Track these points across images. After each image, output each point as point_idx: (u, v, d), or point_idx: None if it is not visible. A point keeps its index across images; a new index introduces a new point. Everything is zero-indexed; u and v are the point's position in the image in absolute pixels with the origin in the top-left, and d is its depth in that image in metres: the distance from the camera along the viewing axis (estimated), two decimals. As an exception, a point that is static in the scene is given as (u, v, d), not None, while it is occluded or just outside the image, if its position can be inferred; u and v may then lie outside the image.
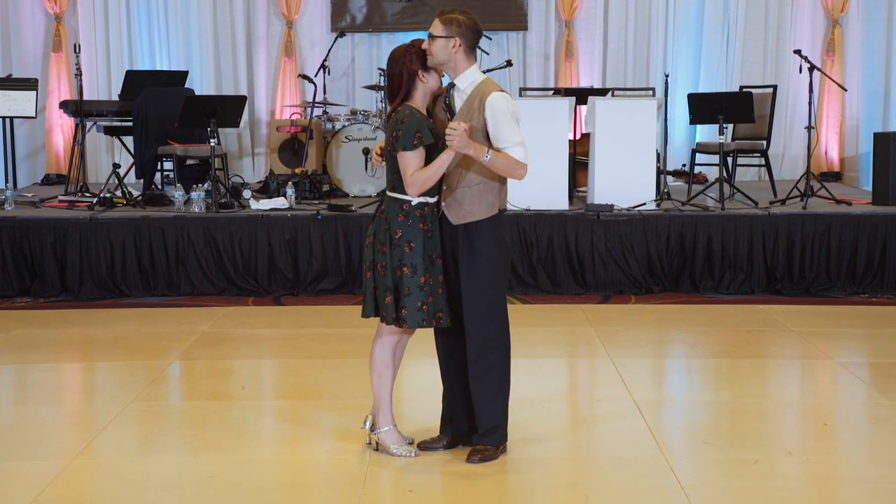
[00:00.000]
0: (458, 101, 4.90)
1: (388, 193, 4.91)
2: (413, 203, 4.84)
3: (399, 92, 4.88)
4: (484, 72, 10.06)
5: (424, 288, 4.84)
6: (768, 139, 10.44)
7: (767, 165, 10.47)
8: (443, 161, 4.75)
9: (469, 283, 4.88)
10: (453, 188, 4.85)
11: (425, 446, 5.12)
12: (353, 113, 10.71)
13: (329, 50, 11.19)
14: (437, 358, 5.15)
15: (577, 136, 10.42)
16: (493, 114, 4.77)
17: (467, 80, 4.88)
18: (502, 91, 4.86)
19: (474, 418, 5.06)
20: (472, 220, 4.85)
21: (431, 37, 4.84)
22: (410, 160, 4.76)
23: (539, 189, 8.96)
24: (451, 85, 4.92)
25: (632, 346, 7.24)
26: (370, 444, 5.11)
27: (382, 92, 10.59)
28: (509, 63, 10.55)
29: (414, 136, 4.75)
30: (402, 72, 4.86)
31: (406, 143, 4.75)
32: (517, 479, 4.85)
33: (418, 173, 4.76)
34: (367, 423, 5.09)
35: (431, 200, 4.88)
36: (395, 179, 4.86)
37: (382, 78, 10.76)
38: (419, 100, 4.90)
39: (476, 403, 5.01)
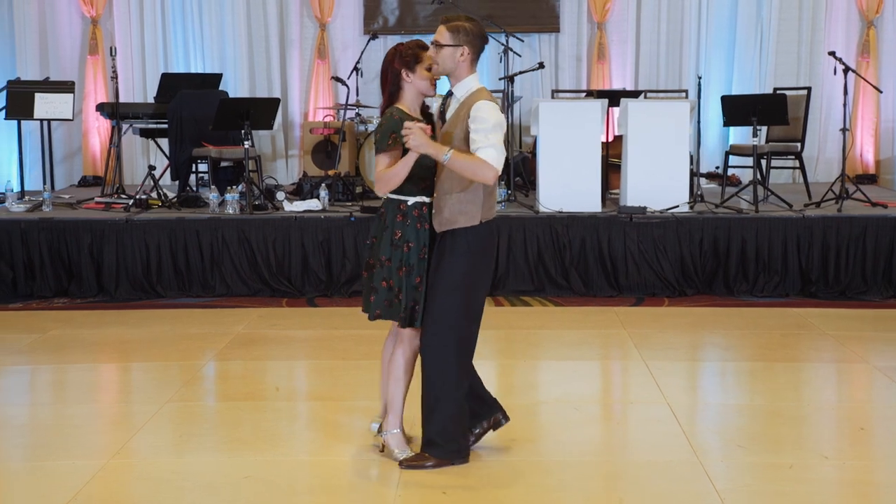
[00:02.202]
0: (453, 110, 4.89)
1: (389, 195, 4.91)
2: (409, 203, 4.87)
3: (385, 92, 4.91)
4: (516, 74, 10.16)
5: (419, 288, 4.87)
6: (802, 141, 10.38)
7: (802, 168, 10.41)
8: (406, 160, 4.74)
9: (431, 286, 4.86)
10: (438, 196, 4.85)
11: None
12: (386, 115, 10.73)
13: (362, 52, 11.23)
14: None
15: (610, 139, 10.41)
16: (474, 118, 4.71)
17: (464, 88, 4.85)
18: (492, 101, 4.78)
19: (487, 400, 5.13)
20: (451, 227, 4.82)
21: (438, 45, 4.80)
22: (381, 160, 4.81)
23: (572, 191, 8.98)
24: (450, 93, 4.91)
25: (665, 348, 7.22)
26: (377, 446, 5.12)
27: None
28: (541, 65, 10.54)
29: (388, 138, 4.78)
30: (387, 71, 4.89)
31: (381, 144, 4.80)
32: (551, 482, 4.85)
33: (386, 172, 4.77)
34: (375, 426, 5.15)
35: (428, 200, 4.89)
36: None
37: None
38: (409, 100, 4.89)
39: (422, 409, 4.98)
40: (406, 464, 4.95)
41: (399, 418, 5.05)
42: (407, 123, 4.72)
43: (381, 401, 5.18)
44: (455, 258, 4.82)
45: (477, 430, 5.14)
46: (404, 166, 4.75)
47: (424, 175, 4.85)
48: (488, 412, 5.17)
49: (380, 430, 5.10)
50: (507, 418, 5.20)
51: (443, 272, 4.84)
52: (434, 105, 5.10)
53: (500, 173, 4.75)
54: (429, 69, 4.85)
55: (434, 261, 4.88)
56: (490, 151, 4.68)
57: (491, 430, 5.20)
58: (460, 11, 11.58)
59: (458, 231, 4.81)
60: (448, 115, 4.90)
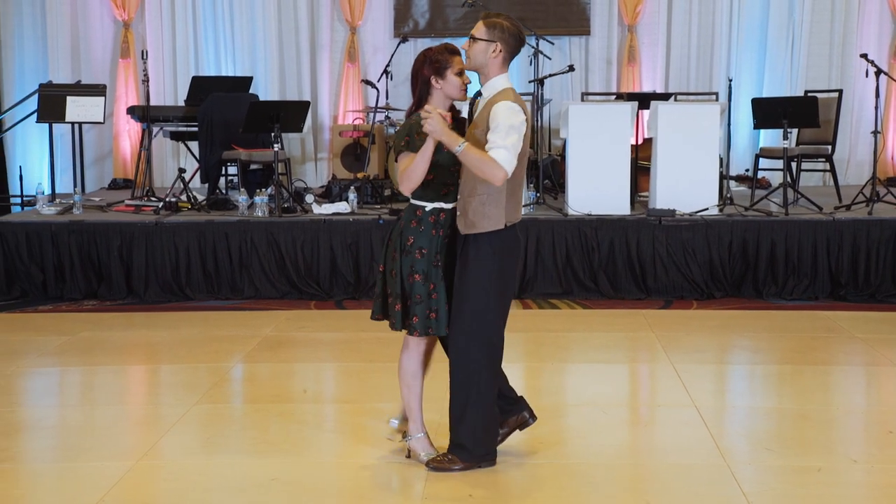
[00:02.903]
0: (479, 109, 4.86)
1: (410, 200, 4.90)
2: (427, 209, 4.83)
3: (414, 97, 4.89)
4: (546, 77, 10.14)
5: (433, 295, 4.83)
6: (833, 144, 10.32)
7: (832, 170, 10.35)
8: (424, 150, 4.67)
9: (457, 291, 4.84)
10: (462, 198, 4.81)
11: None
12: (415, 118, 10.75)
13: (392, 55, 11.25)
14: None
15: (640, 141, 10.38)
16: (493, 116, 4.68)
17: (492, 88, 4.81)
18: (516, 102, 4.73)
19: (513, 398, 5.13)
20: (475, 231, 4.78)
21: (473, 38, 4.78)
22: (401, 163, 4.79)
23: (601, 194, 8.96)
24: (478, 93, 4.90)
25: (693, 351, 7.19)
26: (404, 452, 5.11)
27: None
28: (571, 68, 10.52)
29: (403, 140, 4.78)
30: (416, 77, 4.86)
31: (397, 146, 4.81)
32: (578, 483, 4.84)
33: (407, 169, 4.73)
34: (395, 422, 5.18)
35: (447, 206, 4.85)
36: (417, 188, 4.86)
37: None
38: (436, 105, 4.83)
39: (450, 412, 4.97)
40: (433, 465, 4.95)
41: (420, 423, 5.03)
42: (427, 107, 4.67)
43: (400, 401, 5.18)
44: (481, 262, 4.79)
45: (504, 430, 5.13)
46: (423, 157, 4.67)
47: (445, 180, 4.81)
48: (515, 410, 5.15)
49: (404, 436, 5.10)
50: (533, 417, 5.18)
51: (469, 277, 4.80)
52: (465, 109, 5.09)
53: (508, 176, 4.64)
54: (459, 73, 4.83)
55: (458, 266, 4.85)
56: (502, 152, 4.61)
57: (518, 430, 5.18)
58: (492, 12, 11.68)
59: (482, 235, 4.77)
60: (476, 116, 4.89)
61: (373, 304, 5.04)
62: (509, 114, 4.66)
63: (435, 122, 4.60)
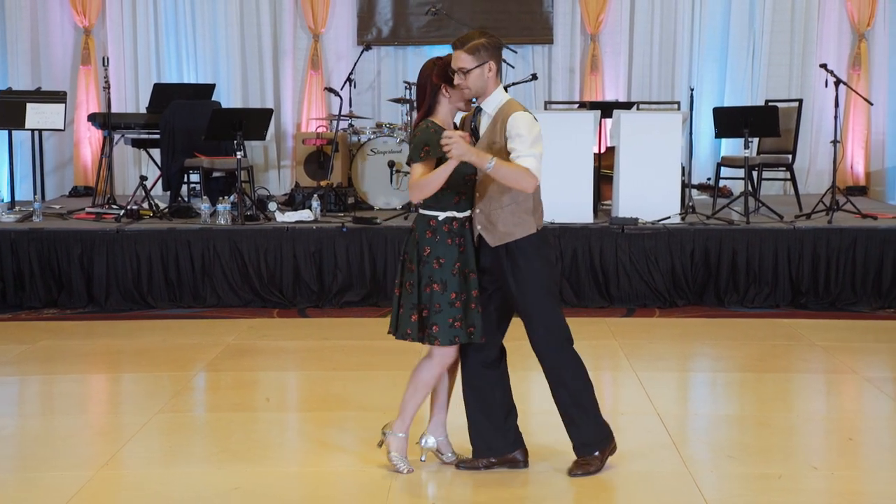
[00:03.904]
0: (484, 124, 4.87)
1: (419, 211, 4.90)
2: (440, 218, 4.82)
3: (422, 105, 4.88)
4: (509, 85, 10.17)
5: (456, 304, 4.80)
6: (794, 153, 10.41)
7: (793, 179, 10.44)
8: (445, 168, 4.66)
9: (523, 301, 4.83)
10: (486, 211, 4.81)
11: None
12: (379, 126, 10.76)
13: (355, 63, 11.24)
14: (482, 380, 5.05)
15: (602, 150, 10.43)
16: (512, 127, 4.71)
17: (493, 102, 4.83)
18: (526, 111, 4.78)
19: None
20: (510, 240, 4.80)
21: (463, 71, 4.74)
22: (415, 171, 4.78)
23: (564, 202, 8.96)
24: (479, 109, 4.89)
25: (656, 359, 7.23)
26: (379, 444, 5.10)
27: (408, 105, 10.63)
28: (534, 77, 10.58)
29: (421, 150, 4.75)
30: (426, 85, 4.85)
31: (414, 155, 4.78)
32: (541, 492, 4.85)
33: (422, 179, 4.72)
34: (386, 431, 5.09)
35: (460, 215, 4.84)
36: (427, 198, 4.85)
37: (408, 91, 10.81)
38: (443, 115, 4.86)
39: (562, 416, 5.05)
40: (581, 472, 5.00)
41: (408, 425, 5.01)
42: (447, 133, 4.65)
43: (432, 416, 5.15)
44: (530, 265, 4.82)
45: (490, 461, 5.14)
46: (443, 174, 4.67)
47: (459, 189, 4.79)
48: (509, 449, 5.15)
49: (384, 429, 5.06)
50: (525, 463, 5.16)
51: (528, 287, 4.81)
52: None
53: (539, 183, 4.73)
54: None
55: (511, 280, 4.82)
56: (531, 161, 4.66)
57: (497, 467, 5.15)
58: (453, 23, 11.72)
59: (523, 241, 4.80)
60: (482, 131, 4.87)
61: (394, 322, 5.00)
62: (530, 124, 4.70)
63: (461, 146, 4.59)
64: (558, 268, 8.73)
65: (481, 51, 4.74)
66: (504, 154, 4.73)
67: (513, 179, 4.67)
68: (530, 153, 4.67)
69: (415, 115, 10.09)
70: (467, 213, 4.86)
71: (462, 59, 4.74)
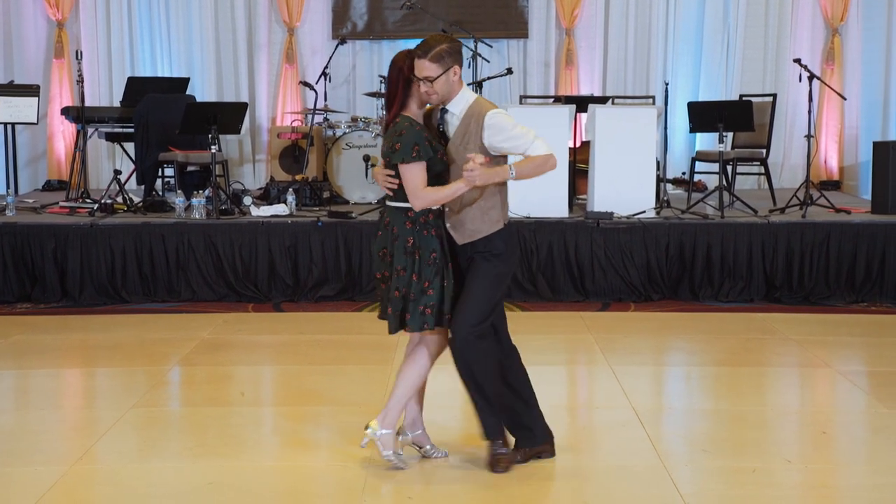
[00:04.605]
0: (452, 126, 4.87)
1: (389, 203, 4.89)
2: (417, 210, 4.83)
3: (396, 100, 4.83)
4: (484, 80, 10.16)
5: (429, 291, 4.80)
6: (768, 148, 10.46)
7: (767, 174, 10.49)
8: (456, 189, 4.70)
9: (473, 280, 4.85)
10: (456, 210, 4.83)
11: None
12: (354, 120, 10.74)
13: (330, 57, 11.21)
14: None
15: (578, 144, 10.45)
16: (495, 130, 4.73)
17: (460, 103, 4.83)
18: (495, 107, 4.81)
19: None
20: (480, 236, 4.84)
21: (429, 80, 4.72)
22: (415, 172, 4.72)
23: (539, 197, 8.99)
24: (444, 110, 4.88)
25: (631, 353, 7.25)
26: (363, 446, 5.02)
27: (383, 99, 10.60)
28: (509, 71, 10.58)
29: (412, 150, 4.71)
30: (398, 79, 4.81)
31: (405, 155, 4.72)
32: (517, 488, 4.85)
33: (429, 191, 4.72)
34: (370, 431, 4.97)
35: (434, 207, 4.86)
36: (398, 189, 4.82)
37: (383, 85, 10.78)
38: (415, 109, 4.85)
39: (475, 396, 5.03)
40: (501, 468, 4.98)
41: (394, 421, 4.97)
42: (469, 166, 4.63)
43: (406, 411, 5.11)
44: (493, 260, 4.85)
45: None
46: (454, 194, 4.73)
47: (432, 184, 4.79)
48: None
49: (367, 427, 4.98)
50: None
51: (480, 269, 4.85)
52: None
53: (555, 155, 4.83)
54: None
55: (471, 272, 4.87)
56: (538, 144, 4.75)
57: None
58: (428, 17, 11.70)
59: (495, 236, 4.84)
60: (451, 132, 4.87)
61: (384, 315, 4.96)
62: (507, 119, 4.77)
63: (484, 175, 4.65)
64: (516, 266, 8.76)
65: (445, 57, 4.74)
66: (482, 150, 4.75)
67: (538, 170, 4.80)
68: (531, 139, 4.75)
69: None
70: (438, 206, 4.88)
71: (427, 68, 4.72)
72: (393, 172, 4.81)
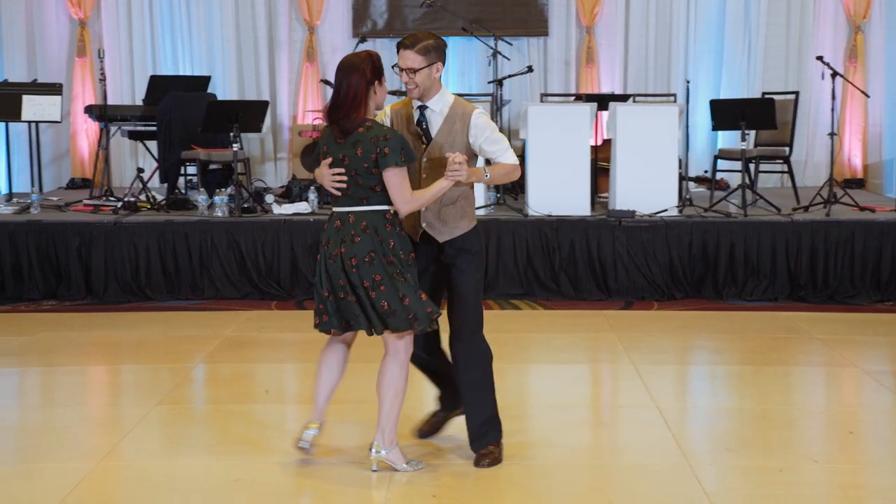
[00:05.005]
0: (434, 123, 4.94)
1: (363, 208, 4.77)
2: (391, 210, 4.81)
3: (362, 103, 4.73)
4: (505, 77, 10.15)
5: (410, 296, 4.79)
6: (791, 146, 10.42)
7: (790, 172, 10.44)
8: (441, 188, 4.76)
9: (462, 288, 4.96)
10: (435, 208, 4.91)
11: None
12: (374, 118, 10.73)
13: (351, 55, 11.19)
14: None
15: (599, 142, 10.43)
16: (481, 130, 4.91)
17: (441, 101, 4.94)
18: (477, 108, 4.96)
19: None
20: (460, 233, 4.96)
21: (412, 70, 4.81)
22: (404, 176, 4.74)
23: (561, 195, 8.99)
24: (423, 107, 4.94)
25: (654, 352, 7.23)
26: (375, 469, 4.95)
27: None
28: (530, 69, 10.56)
29: (401, 154, 4.70)
30: (359, 81, 4.72)
31: (396, 159, 4.69)
32: (541, 485, 4.86)
33: (417, 194, 4.75)
34: (374, 452, 4.92)
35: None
36: (371, 193, 4.76)
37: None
38: (372, 111, 4.82)
39: (472, 402, 5.10)
40: (488, 462, 5.02)
41: (395, 435, 4.94)
42: (454, 164, 4.66)
43: (317, 399, 5.06)
44: (479, 257, 5.02)
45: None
46: (439, 192, 4.78)
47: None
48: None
49: (371, 449, 4.96)
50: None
51: (473, 275, 4.98)
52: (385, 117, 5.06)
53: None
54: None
55: (455, 265, 4.94)
56: (510, 154, 4.96)
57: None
58: (448, 15, 11.70)
59: (470, 233, 4.97)
60: (434, 130, 4.93)
61: (364, 324, 4.84)
62: (489, 122, 4.96)
63: (467, 172, 4.72)
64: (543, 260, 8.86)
65: (431, 52, 4.86)
66: (467, 150, 4.90)
67: (507, 178, 5.03)
68: (506, 148, 4.96)
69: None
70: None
71: (412, 59, 4.83)
72: (342, 171, 4.76)
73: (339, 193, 4.82)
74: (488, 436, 5.08)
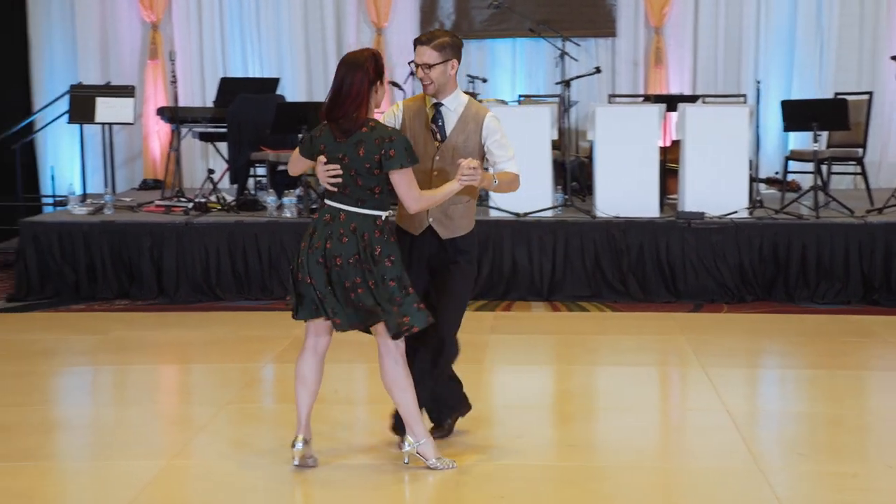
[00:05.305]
0: (449, 122, 4.98)
1: (357, 210, 4.76)
2: (383, 217, 4.79)
3: (363, 102, 4.69)
4: (573, 79, 10.11)
5: (409, 290, 4.79)
6: (864, 147, 10.26)
7: (863, 173, 10.28)
8: (450, 190, 4.80)
9: (456, 287, 5.03)
10: (444, 205, 4.94)
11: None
12: (443, 119, 10.74)
13: (418, 57, 11.23)
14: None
15: (668, 144, 10.35)
16: (492, 131, 4.97)
17: (456, 100, 5.00)
18: (490, 111, 5.02)
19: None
20: (463, 233, 5.03)
21: (428, 66, 4.88)
22: (412, 176, 4.74)
23: (629, 197, 8.94)
24: (439, 104, 4.98)
25: (724, 355, 7.16)
26: (407, 462, 4.99)
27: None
28: (598, 70, 10.51)
29: (406, 155, 4.70)
30: (363, 79, 4.69)
31: (402, 161, 4.68)
32: (608, 487, 4.84)
33: (426, 194, 4.77)
34: (408, 446, 4.96)
35: (393, 214, 4.91)
36: (368, 195, 4.74)
37: (471, 85, 10.79)
38: (371, 113, 4.77)
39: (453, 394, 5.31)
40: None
41: (422, 427, 4.97)
42: (468, 168, 4.69)
43: (299, 413, 5.00)
44: (474, 259, 5.11)
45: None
46: (449, 195, 4.82)
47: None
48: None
49: (400, 444, 5.01)
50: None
51: (465, 275, 5.07)
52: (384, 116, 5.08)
53: None
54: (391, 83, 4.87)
55: (452, 266, 4.99)
56: (515, 163, 5.01)
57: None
58: (515, 16, 11.69)
59: (470, 234, 5.05)
60: (449, 129, 4.98)
61: (346, 321, 4.83)
62: (501, 126, 5.01)
63: (479, 175, 4.73)
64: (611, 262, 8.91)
65: (447, 49, 4.91)
66: (479, 152, 4.97)
67: (510, 186, 5.02)
68: (512, 156, 5.00)
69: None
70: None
71: (428, 55, 4.89)
72: (337, 166, 4.74)
73: (335, 189, 4.79)
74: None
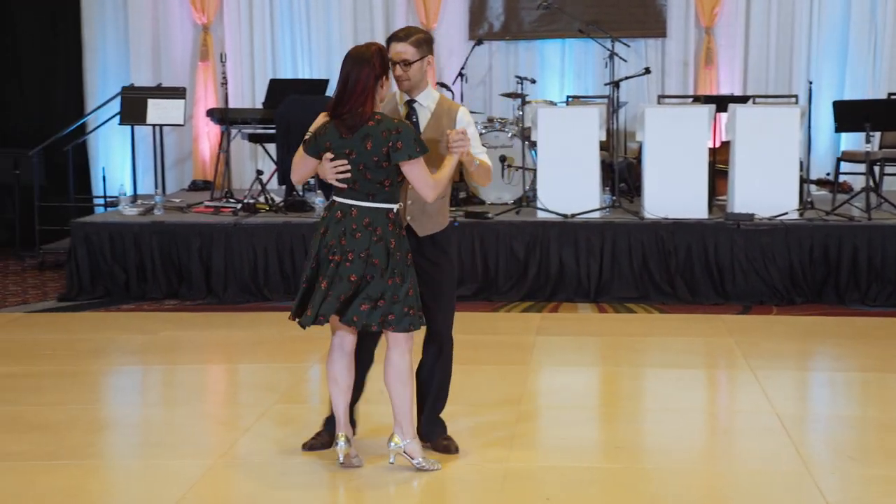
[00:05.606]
0: (423, 118, 4.98)
1: (368, 204, 4.74)
2: (395, 210, 4.79)
3: (369, 97, 4.68)
4: (622, 79, 10.07)
5: (410, 292, 4.78)
6: (918, 147, 10.12)
7: (917, 175, 10.15)
8: (452, 163, 4.84)
9: (439, 287, 5.07)
10: (422, 204, 4.94)
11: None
12: (490, 121, 10.74)
13: (467, 58, 11.26)
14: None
15: (717, 144, 10.27)
16: (466, 125, 4.98)
17: (429, 97, 5.02)
18: (462, 105, 5.09)
19: None
20: (437, 230, 5.04)
21: (407, 63, 4.87)
22: (423, 165, 4.73)
23: (678, 197, 8.88)
24: (412, 101, 4.98)
25: (773, 357, 7.09)
26: (392, 462, 4.97)
27: (520, 100, 10.58)
28: (647, 70, 10.46)
29: (415, 145, 4.69)
30: (369, 74, 4.68)
31: (411, 151, 4.67)
32: (656, 489, 4.81)
33: (438, 177, 4.78)
34: (394, 445, 4.95)
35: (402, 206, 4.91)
36: (378, 189, 4.73)
37: (520, 86, 10.76)
38: (376, 108, 4.76)
39: (441, 394, 5.28)
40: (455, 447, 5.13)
41: (414, 427, 4.98)
42: (459, 131, 4.78)
43: (336, 412, 5.00)
44: (450, 256, 5.16)
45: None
46: (452, 169, 4.86)
47: (403, 180, 4.83)
48: None
49: (390, 441, 4.98)
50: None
51: (449, 269, 5.16)
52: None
53: None
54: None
55: (434, 264, 5.03)
56: (486, 156, 5.09)
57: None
58: (564, 17, 11.66)
59: (447, 230, 5.09)
60: (423, 126, 4.98)
61: (362, 316, 4.78)
62: (471, 120, 5.07)
63: (468, 141, 4.83)
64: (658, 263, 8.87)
65: (423, 45, 4.95)
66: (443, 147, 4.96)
67: (486, 174, 5.11)
68: (483, 150, 5.07)
69: (527, 109, 10.13)
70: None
71: (407, 52, 4.90)
72: (344, 161, 4.71)
73: (344, 186, 4.77)
74: (441, 423, 5.26)
